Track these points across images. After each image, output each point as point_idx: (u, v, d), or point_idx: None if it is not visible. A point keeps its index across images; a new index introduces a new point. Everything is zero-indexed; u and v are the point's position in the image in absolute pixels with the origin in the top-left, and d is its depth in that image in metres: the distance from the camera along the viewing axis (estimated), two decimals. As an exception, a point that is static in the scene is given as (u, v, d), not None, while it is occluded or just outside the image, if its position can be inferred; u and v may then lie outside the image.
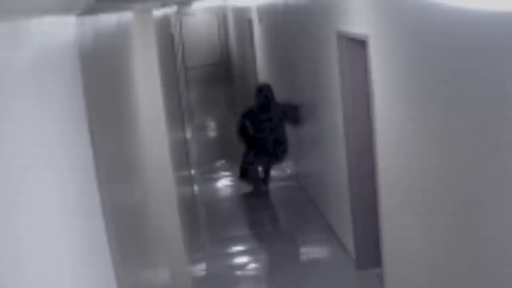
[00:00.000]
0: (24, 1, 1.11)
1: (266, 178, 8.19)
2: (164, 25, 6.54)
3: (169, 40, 7.34)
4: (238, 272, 5.91)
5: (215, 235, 6.95)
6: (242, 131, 7.96)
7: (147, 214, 3.77)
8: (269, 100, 7.77)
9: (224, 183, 8.92)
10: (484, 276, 2.98)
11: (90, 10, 2.21)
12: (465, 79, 2.94)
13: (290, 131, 8.53)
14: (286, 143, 7.92)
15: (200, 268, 6.12)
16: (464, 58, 2.93)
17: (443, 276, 3.57)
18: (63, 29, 1.74)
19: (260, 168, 8.29)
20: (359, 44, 5.16)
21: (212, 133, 12.35)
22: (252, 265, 6.03)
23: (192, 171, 9.16)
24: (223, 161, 10.08)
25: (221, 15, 18.62)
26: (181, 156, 6.69)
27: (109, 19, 3.05)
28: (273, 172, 9.00)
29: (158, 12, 5.59)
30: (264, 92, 7.78)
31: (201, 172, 9.57)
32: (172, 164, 5.05)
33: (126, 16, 4.07)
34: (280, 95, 9.16)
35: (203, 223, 7.42)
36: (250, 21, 12.18)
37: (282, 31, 8.27)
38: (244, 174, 8.08)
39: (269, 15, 9.25)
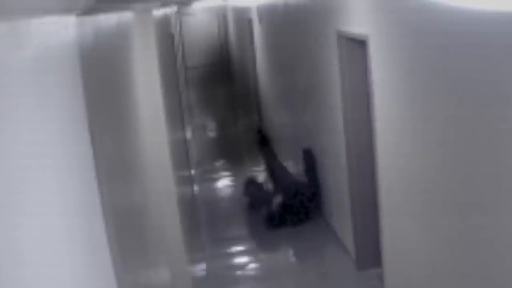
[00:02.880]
0: (24, 1, 1.11)
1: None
2: (164, 25, 6.54)
3: (169, 40, 7.34)
4: (238, 272, 5.91)
5: (215, 235, 6.95)
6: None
7: (147, 214, 3.77)
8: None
9: (224, 183, 8.92)
10: (484, 276, 2.98)
11: (90, 10, 2.21)
12: (465, 79, 2.94)
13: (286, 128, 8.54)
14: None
15: (200, 268, 6.12)
16: (464, 58, 2.93)
17: (443, 276, 3.57)
18: (63, 29, 1.74)
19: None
20: (359, 44, 5.16)
21: (212, 133, 12.35)
22: (252, 265, 6.03)
23: (192, 171, 9.16)
24: (223, 161, 10.08)
25: (221, 15, 18.62)
26: (181, 156, 6.69)
27: (109, 19, 3.05)
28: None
29: (158, 12, 5.59)
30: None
31: (201, 172, 9.57)
32: (172, 164, 5.05)
33: (126, 16, 4.07)
34: (280, 96, 9.17)
35: (203, 223, 7.42)
36: (250, 21, 12.18)
37: (282, 31, 8.27)
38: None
39: (269, 15, 9.25)
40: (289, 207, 6.87)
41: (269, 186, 8.16)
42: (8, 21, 1.15)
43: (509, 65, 2.50)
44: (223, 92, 16.81)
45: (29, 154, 1.25)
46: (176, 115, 6.88)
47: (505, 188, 2.65)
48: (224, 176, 9.24)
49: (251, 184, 7.67)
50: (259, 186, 7.56)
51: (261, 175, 8.81)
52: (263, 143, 9.60)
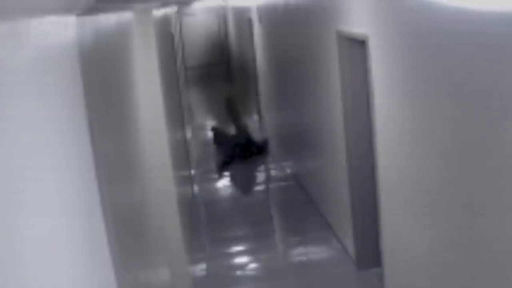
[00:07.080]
0: (24, 1, 1.11)
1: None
2: (164, 25, 6.54)
3: (169, 40, 7.34)
4: (238, 272, 5.91)
5: (215, 235, 6.95)
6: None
7: (147, 214, 3.77)
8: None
9: (224, 183, 8.92)
10: (485, 276, 2.98)
11: (90, 10, 2.21)
12: (465, 79, 2.94)
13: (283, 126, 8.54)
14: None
15: (200, 268, 6.12)
16: (464, 58, 2.93)
17: (443, 276, 3.57)
18: (63, 29, 1.74)
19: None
20: (359, 44, 5.16)
21: (212, 133, 12.34)
22: (252, 265, 6.03)
23: (192, 171, 9.16)
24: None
25: (221, 15, 18.63)
26: (181, 156, 6.69)
27: (109, 19, 3.05)
28: (273, 172, 9.02)
29: (158, 12, 5.59)
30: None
31: (201, 172, 9.57)
32: (172, 164, 5.05)
33: (126, 16, 4.08)
34: (280, 95, 9.17)
35: (203, 223, 7.42)
36: (250, 21, 12.18)
37: (282, 31, 8.27)
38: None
39: (269, 15, 9.26)
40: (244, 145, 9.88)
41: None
42: (8, 21, 1.15)
43: (509, 65, 2.50)
44: (223, 92, 16.81)
45: (29, 154, 1.25)
46: (176, 115, 6.88)
47: (506, 188, 2.65)
48: (224, 176, 9.24)
49: (216, 130, 10.68)
50: (223, 131, 10.51)
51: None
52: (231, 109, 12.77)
